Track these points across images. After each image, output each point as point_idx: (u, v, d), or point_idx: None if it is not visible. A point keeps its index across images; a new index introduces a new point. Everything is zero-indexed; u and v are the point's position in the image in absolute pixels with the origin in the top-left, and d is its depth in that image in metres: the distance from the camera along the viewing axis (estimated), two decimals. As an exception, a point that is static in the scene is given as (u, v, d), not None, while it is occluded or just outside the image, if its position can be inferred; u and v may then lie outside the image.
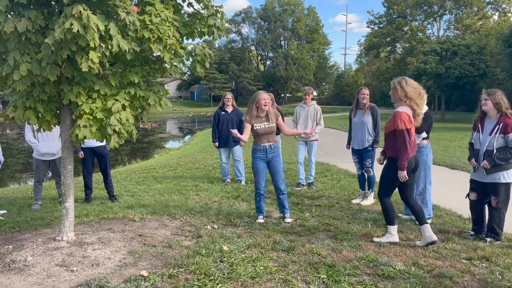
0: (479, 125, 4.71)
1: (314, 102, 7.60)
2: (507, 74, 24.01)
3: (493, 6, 43.54)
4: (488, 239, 4.58)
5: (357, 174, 6.72)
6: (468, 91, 30.04)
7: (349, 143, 6.64)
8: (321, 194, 6.96)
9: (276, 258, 4.08)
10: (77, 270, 3.71)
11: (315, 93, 75.85)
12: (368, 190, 6.44)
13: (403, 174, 4.32)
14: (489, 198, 4.67)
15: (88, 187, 6.69)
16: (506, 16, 42.76)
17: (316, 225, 5.17)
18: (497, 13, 44.22)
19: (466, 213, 5.55)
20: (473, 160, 4.75)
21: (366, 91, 6.34)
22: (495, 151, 4.47)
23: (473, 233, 4.82)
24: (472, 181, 4.83)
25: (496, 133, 4.48)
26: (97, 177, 7.99)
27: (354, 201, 6.43)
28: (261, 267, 3.82)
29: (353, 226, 5.15)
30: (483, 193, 4.74)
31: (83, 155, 6.50)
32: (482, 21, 43.30)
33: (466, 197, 4.94)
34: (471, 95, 32.53)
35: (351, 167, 8.57)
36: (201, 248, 4.26)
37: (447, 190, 7.35)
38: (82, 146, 6.43)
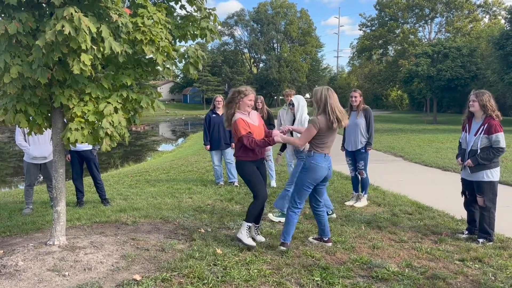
0: (467, 125, 4.85)
1: None
2: (498, 76, 24.27)
3: (483, 9, 44.07)
4: (481, 240, 4.61)
5: (350, 176, 6.73)
6: (460, 93, 30.29)
7: (343, 144, 6.65)
8: (314, 196, 6.95)
9: (269, 260, 4.07)
10: (69, 274, 3.67)
11: (307, 96, 76.17)
12: (362, 192, 6.45)
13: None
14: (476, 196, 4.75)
15: (79, 191, 6.64)
16: (497, 19, 43.28)
17: (309, 228, 5.17)
18: (487, 16, 44.75)
19: (459, 214, 5.59)
20: (459, 159, 4.89)
21: (355, 94, 6.36)
22: (478, 151, 4.57)
23: (467, 232, 4.87)
24: (462, 180, 4.94)
25: (480, 134, 4.60)
26: (89, 180, 7.93)
27: (347, 203, 6.44)
28: (255, 270, 3.80)
29: (347, 228, 5.16)
30: (471, 192, 4.83)
31: (69, 158, 6.43)
32: (473, 23, 43.80)
33: (462, 195, 5.00)
34: (463, 97, 32.80)
35: (344, 169, 8.59)
36: (194, 252, 4.24)
37: (439, 191, 7.39)
38: (69, 149, 6.37)
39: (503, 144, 4.51)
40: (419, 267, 3.94)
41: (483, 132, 4.58)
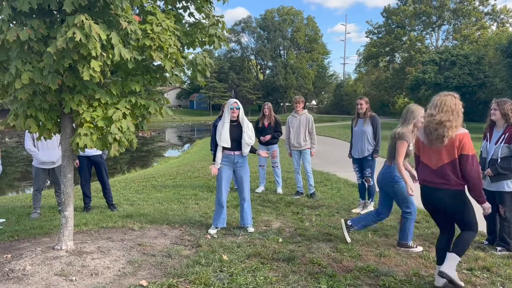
0: (488, 133, 4.78)
1: (306, 111, 7.60)
2: (506, 84, 24.14)
3: (491, 16, 43.93)
4: (499, 248, 4.61)
5: (357, 183, 6.71)
6: (467, 101, 30.13)
7: (350, 151, 6.64)
8: (321, 204, 6.94)
9: (276, 268, 4.06)
10: (76, 279, 3.69)
11: (314, 102, 76.22)
12: (368, 199, 6.43)
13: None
14: (497, 207, 4.68)
15: (86, 196, 6.66)
16: (504, 26, 43.10)
17: (316, 235, 5.15)
18: (495, 24, 44.58)
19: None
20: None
21: (360, 101, 6.35)
22: (499, 160, 4.51)
23: (487, 242, 4.87)
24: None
25: (501, 143, 4.53)
26: (96, 185, 7.97)
27: (354, 211, 6.41)
28: (261, 277, 3.80)
29: (353, 235, 5.13)
30: (492, 202, 4.68)
31: (78, 164, 6.46)
32: (480, 31, 43.63)
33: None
34: (470, 105, 32.62)
35: (351, 176, 8.57)
36: (200, 258, 4.24)
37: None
38: (78, 154, 6.43)
39: None
40: (427, 275, 3.91)
41: (503, 141, 4.51)
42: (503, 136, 4.53)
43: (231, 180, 5.49)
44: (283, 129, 7.77)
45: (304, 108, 7.60)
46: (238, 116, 5.28)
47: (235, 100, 5.37)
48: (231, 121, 5.31)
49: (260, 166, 8.11)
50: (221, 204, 5.30)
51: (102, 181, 6.66)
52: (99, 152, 6.49)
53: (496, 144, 4.59)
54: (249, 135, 5.26)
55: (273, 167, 8.05)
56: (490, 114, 4.70)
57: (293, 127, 7.48)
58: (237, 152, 5.29)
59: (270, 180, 8.70)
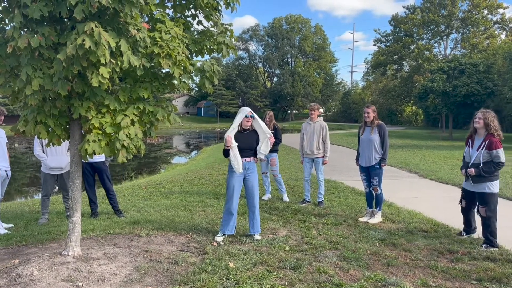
0: (470, 140, 5.32)
1: (321, 118, 7.60)
2: (515, 93, 23.92)
3: (500, 25, 43.70)
4: (484, 246, 5.00)
5: (364, 191, 6.67)
6: (476, 109, 29.81)
7: (357, 159, 6.61)
8: (328, 212, 6.91)
9: (282, 276, 4.04)
10: (82, 285, 3.69)
11: (321, 110, 76.18)
12: (376, 208, 6.38)
13: None
14: (478, 207, 5.22)
15: (92, 202, 6.70)
16: (513, 35, 42.81)
17: (323, 243, 5.12)
18: (504, 33, 44.34)
19: (476, 233, 5.49)
20: (463, 171, 5.35)
21: (367, 110, 6.34)
22: (481, 165, 5.03)
23: (464, 233, 5.49)
24: (462, 189, 5.49)
25: (482, 149, 5.07)
26: (104, 191, 8.00)
27: (361, 219, 6.37)
28: (268, 285, 3.78)
29: (361, 244, 5.10)
30: (471, 200, 5.34)
31: None
32: (489, 40, 43.41)
33: (459, 203, 5.55)
34: (479, 113, 32.28)
35: (358, 184, 8.53)
36: (207, 265, 4.23)
37: (456, 208, 7.25)
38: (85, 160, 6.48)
39: (503, 159, 4.99)
40: (435, 286, 3.86)
41: (484, 148, 5.04)
42: (484, 143, 5.06)
43: (241, 188, 5.47)
44: (297, 135, 7.81)
45: (319, 115, 7.64)
46: (251, 125, 5.33)
47: (250, 109, 5.42)
48: (244, 129, 5.33)
49: (262, 173, 8.13)
50: (231, 212, 5.29)
51: (106, 187, 6.70)
52: (102, 159, 6.53)
53: (477, 150, 5.11)
54: (264, 148, 5.38)
55: (273, 175, 8.06)
56: (473, 122, 5.21)
57: (307, 134, 7.49)
58: (248, 159, 5.32)
59: (275, 188, 8.68)
